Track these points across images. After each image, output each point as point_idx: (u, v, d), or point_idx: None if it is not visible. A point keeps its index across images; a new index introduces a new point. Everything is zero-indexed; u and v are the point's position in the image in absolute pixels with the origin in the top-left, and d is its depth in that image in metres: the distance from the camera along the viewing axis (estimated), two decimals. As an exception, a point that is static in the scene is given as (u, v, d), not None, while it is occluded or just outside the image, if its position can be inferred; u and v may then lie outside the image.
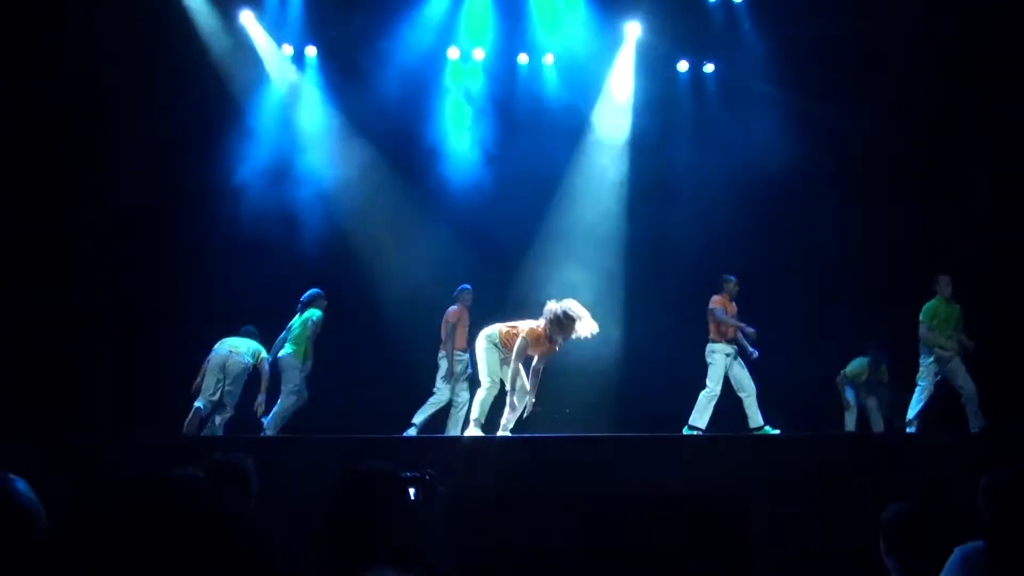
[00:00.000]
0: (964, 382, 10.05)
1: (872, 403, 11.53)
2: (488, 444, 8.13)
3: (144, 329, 11.37)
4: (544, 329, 8.34)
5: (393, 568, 2.58)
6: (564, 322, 8.20)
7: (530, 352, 8.46)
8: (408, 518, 2.82)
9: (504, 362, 8.56)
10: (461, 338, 10.57)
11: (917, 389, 10.26)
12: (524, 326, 8.47)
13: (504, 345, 8.54)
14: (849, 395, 11.55)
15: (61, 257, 11.39)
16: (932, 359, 10.21)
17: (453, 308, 10.71)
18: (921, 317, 10.29)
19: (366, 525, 2.71)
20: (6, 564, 1.97)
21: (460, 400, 10.55)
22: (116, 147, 11.56)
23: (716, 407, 10.53)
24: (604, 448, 8.14)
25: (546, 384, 9.74)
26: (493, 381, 8.49)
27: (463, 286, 10.90)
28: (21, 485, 2.09)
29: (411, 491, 3.09)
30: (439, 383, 10.57)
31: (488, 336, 8.64)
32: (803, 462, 7.83)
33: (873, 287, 11.87)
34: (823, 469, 7.71)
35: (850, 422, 11.42)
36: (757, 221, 12.49)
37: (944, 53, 11.50)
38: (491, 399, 8.55)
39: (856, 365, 11.54)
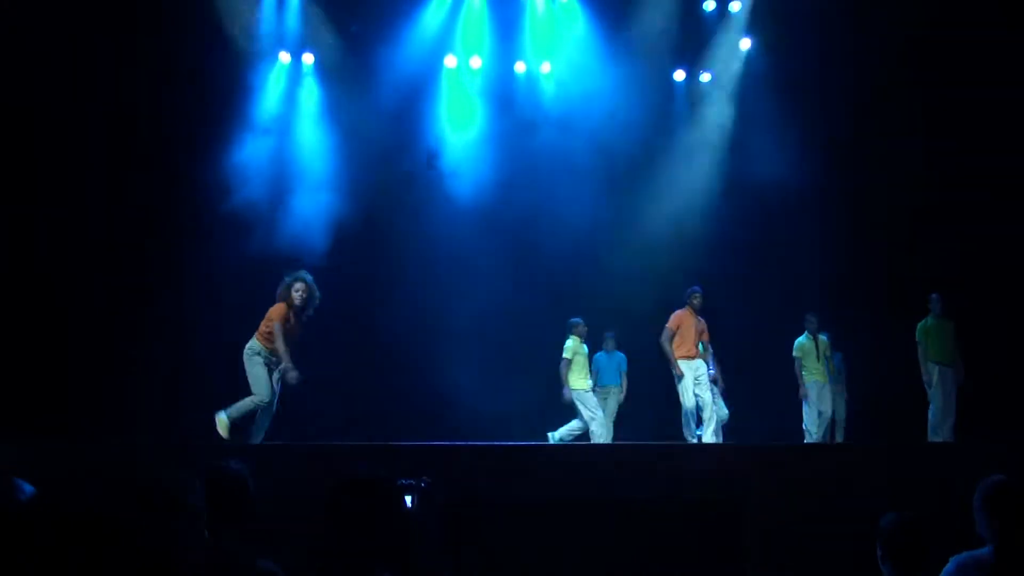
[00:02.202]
0: (946, 397, 10.43)
1: (840, 415, 11.35)
2: (485, 452, 8.13)
3: (143, 332, 11.34)
4: (286, 304, 8.99)
5: (390, 575, 2.59)
6: (289, 288, 9.01)
7: (289, 328, 8.96)
8: (405, 525, 2.82)
9: (270, 366, 8.82)
10: (681, 343, 10.31)
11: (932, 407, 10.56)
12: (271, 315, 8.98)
13: (264, 345, 8.87)
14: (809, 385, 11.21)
15: (58, 258, 11.37)
16: (936, 374, 10.50)
17: (675, 312, 10.45)
18: (917, 335, 10.70)
19: (362, 533, 2.71)
20: (11, 567, 1.96)
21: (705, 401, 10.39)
22: (113, 153, 11.55)
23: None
24: (599, 455, 8.15)
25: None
26: (261, 392, 8.74)
27: (691, 288, 10.57)
28: (28, 489, 2.09)
29: (408, 498, 3.08)
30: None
31: (247, 349, 8.93)
32: (796, 470, 7.85)
33: (871, 298, 11.88)
34: (815, 477, 7.73)
35: (811, 424, 11.08)
36: (752, 228, 12.51)
37: (947, 64, 11.51)
38: (257, 408, 8.76)
39: (798, 342, 11.35)
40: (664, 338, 10.37)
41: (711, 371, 10.52)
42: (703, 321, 10.56)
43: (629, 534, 7.13)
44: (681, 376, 10.22)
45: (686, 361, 10.29)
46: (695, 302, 10.45)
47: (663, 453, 8.87)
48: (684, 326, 10.34)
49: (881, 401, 11.26)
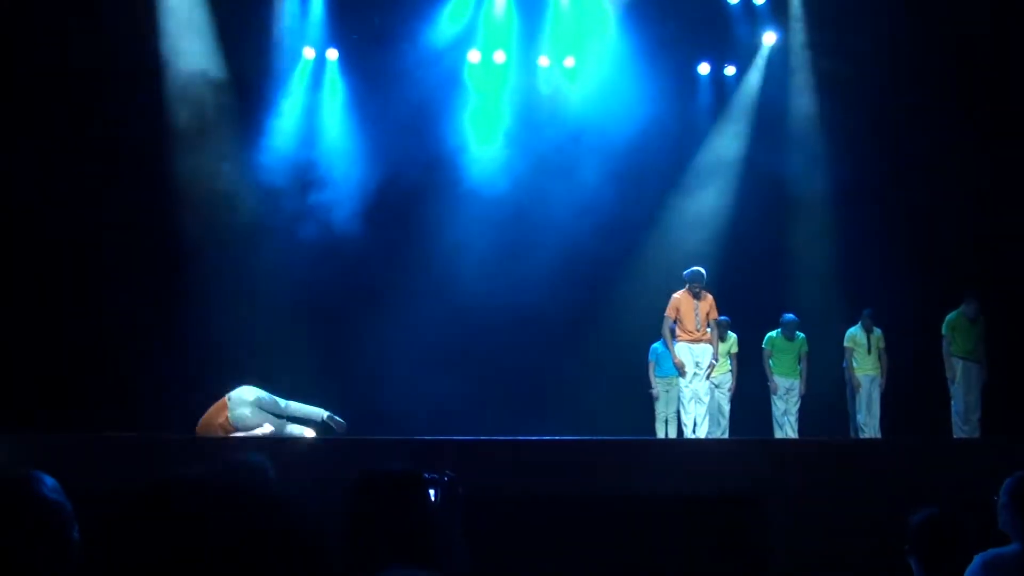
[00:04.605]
0: (970, 392, 10.35)
1: (873, 419, 11.01)
2: (507, 446, 8.12)
3: (158, 327, 11.40)
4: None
5: (413, 568, 2.59)
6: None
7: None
8: (428, 519, 2.83)
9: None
10: (681, 327, 10.16)
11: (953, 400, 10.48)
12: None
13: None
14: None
15: (85, 256, 11.45)
16: (960, 369, 10.39)
17: (672, 296, 10.25)
18: (943, 329, 10.57)
19: (387, 525, 2.71)
20: (35, 563, 1.96)
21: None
22: (134, 148, 11.60)
23: (739, 409, 10.64)
24: (621, 451, 8.13)
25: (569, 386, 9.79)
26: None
27: (691, 269, 10.24)
28: (50, 482, 2.09)
29: (431, 492, 3.09)
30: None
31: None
32: (820, 466, 7.80)
33: (899, 294, 11.77)
34: (840, 473, 7.68)
35: (863, 419, 10.93)
36: (778, 225, 12.46)
37: (978, 56, 11.39)
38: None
39: (851, 333, 11.23)
40: (664, 326, 10.26)
41: (714, 359, 10.25)
42: (708, 297, 10.23)
43: (650, 530, 7.11)
44: (681, 367, 10.07)
45: (687, 345, 10.10)
46: (694, 288, 10.13)
47: (686, 448, 8.85)
48: (683, 309, 10.14)
49: (908, 396, 11.17)
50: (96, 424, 9.52)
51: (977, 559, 3.56)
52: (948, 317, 10.60)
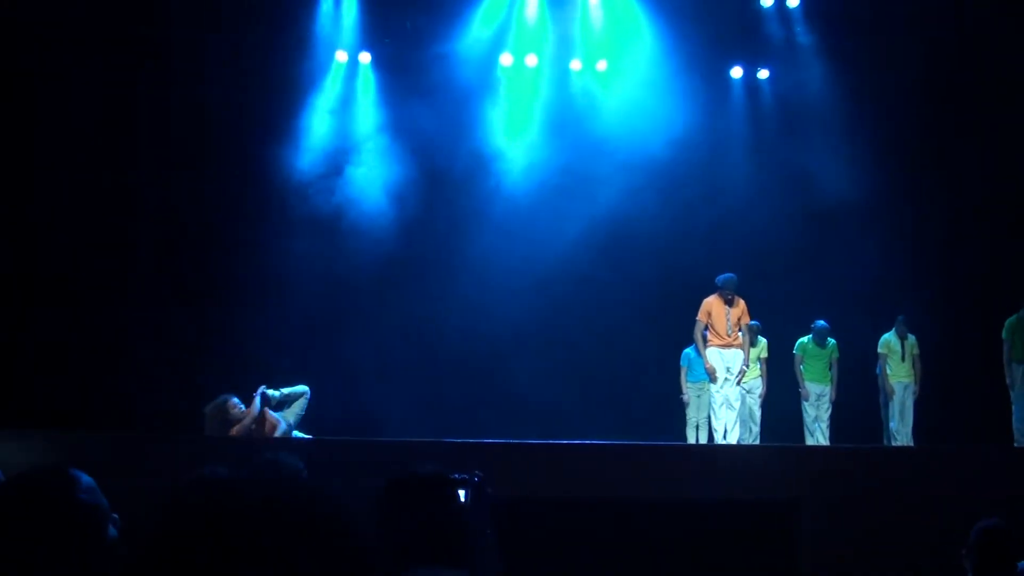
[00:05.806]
0: None
1: (905, 426, 10.85)
2: (539, 450, 8.12)
3: (195, 332, 11.48)
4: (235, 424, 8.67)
5: (443, 568, 2.59)
6: (225, 412, 8.57)
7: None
8: (458, 519, 2.84)
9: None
10: (712, 331, 10.10)
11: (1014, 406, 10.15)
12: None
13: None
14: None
15: (118, 257, 11.57)
16: (1021, 374, 10.04)
17: (704, 300, 10.21)
18: (1003, 333, 10.20)
19: (417, 526, 2.72)
20: (73, 563, 1.95)
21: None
22: (160, 149, 11.71)
23: (769, 415, 10.56)
24: (652, 456, 8.11)
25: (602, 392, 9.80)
26: None
27: (724, 275, 10.17)
28: (84, 482, 2.06)
29: (461, 493, 3.10)
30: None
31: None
32: (854, 473, 7.74)
33: (933, 300, 11.65)
34: (873, 480, 7.61)
35: (896, 426, 10.84)
36: (810, 230, 12.36)
37: (1014, 58, 11.26)
38: None
39: (884, 339, 11.09)
40: (697, 331, 10.19)
41: (744, 364, 10.17)
42: (741, 302, 10.16)
43: (680, 534, 7.08)
44: (712, 372, 10.00)
45: (718, 350, 10.05)
46: (726, 294, 10.07)
47: (717, 454, 8.81)
48: (715, 313, 10.09)
49: (941, 403, 11.03)
50: (124, 422, 9.63)
51: (1020, 567, 3.53)
52: (1008, 321, 10.21)
